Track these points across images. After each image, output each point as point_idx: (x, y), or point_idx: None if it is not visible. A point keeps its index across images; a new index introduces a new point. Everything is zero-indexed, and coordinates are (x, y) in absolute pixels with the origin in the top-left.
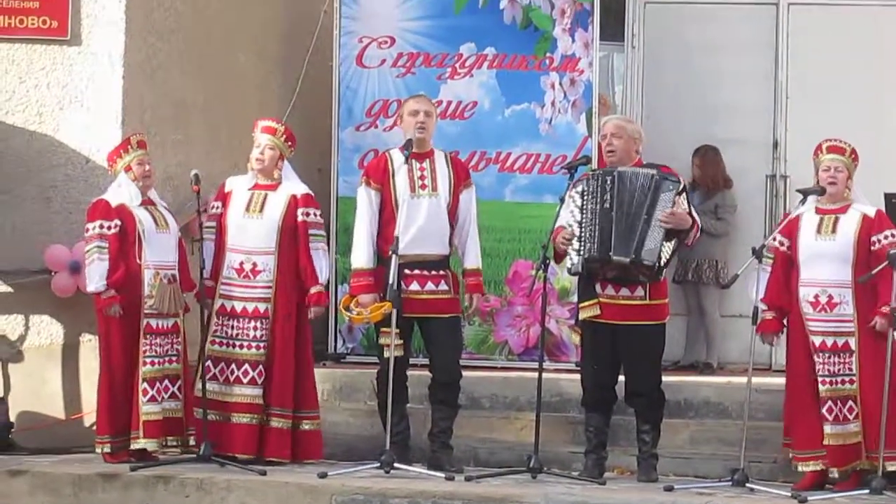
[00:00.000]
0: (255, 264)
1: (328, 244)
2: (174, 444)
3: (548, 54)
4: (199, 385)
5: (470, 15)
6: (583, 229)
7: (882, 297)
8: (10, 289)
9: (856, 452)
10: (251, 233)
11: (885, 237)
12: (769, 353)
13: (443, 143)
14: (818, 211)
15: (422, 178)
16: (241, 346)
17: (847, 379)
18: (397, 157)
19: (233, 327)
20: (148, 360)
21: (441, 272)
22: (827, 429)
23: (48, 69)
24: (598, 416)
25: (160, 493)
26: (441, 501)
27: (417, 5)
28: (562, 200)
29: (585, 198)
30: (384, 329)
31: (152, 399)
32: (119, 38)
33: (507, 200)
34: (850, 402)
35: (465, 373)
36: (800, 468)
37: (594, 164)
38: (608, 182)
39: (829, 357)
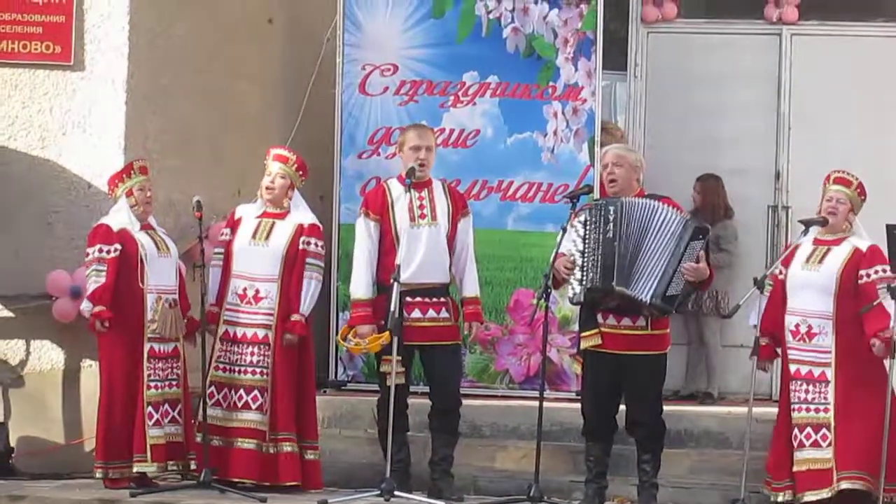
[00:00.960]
0: (257, 291)
1: (329, 272)
2: (174, 468)
3: (550, 83)
4: (201, 410)
5: (473, 43)
6: (585, 259)
7: (873, 324)
8: (11, 314)
9: (826, 479)
10: (256, 260)
11: (875, 272)
12: (770, 383)
13: (445, 171)
14: (815, 241)
15: (421, 207)
16: (243, 372)
17: (822, 407)
18: (395, 187)
19: (234, 353)
20: (151, 383)
21: (442, 299)
22: (801, 455)
23: (51, 94)
24: (598, 446)
25: None
26: None
27: (421, 33)
28: (563, 229)
29: (588, 227)
30: (385, 357)
31: (157, 423)
32: (122, 64)
33: (509, 229)
34: (824, 430)
35: (465, 401)
36: (779, 499)
37: (596, 194)
38: (611, 212)
39: (802, 385)
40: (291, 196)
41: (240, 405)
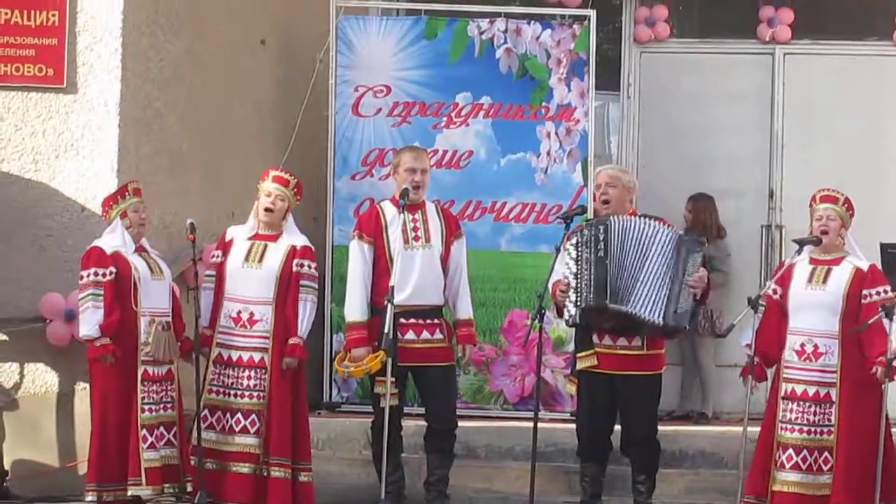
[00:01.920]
0: (252, 314)
1: (323, 293)
2: (170, 491)
3: (543, 104)
4: (195, 434)
5: (466, 64)
6: (578, 280)
7: (877, 347)
8: (5, 337)
9: None
10: (250, 282)
11: (878, 292)
12: (764, 403)
13: (438, 192)
14: (812, 261)
15: (415, 229)
16: (238, 396)
17: (826, 430)
18: (389, 209)
19: (229, 376)
20: (146, 406)
21: (436, 321)
22: (793, 477)
23: (44, 117)
24: (593, 466)
25: None
26: None
27: (413, 54)
28: (557, 250)
29: (580, 248)
30: (380, 378)
31: (152, 446)
32: (115, 86)
33: (503, 250)
34: (826, 454)
35: (460, 422)
36: None
37: (590, 214)
38: (601, 231)
39: (808, 406)
40: (288, 219)
41: (237, 429)
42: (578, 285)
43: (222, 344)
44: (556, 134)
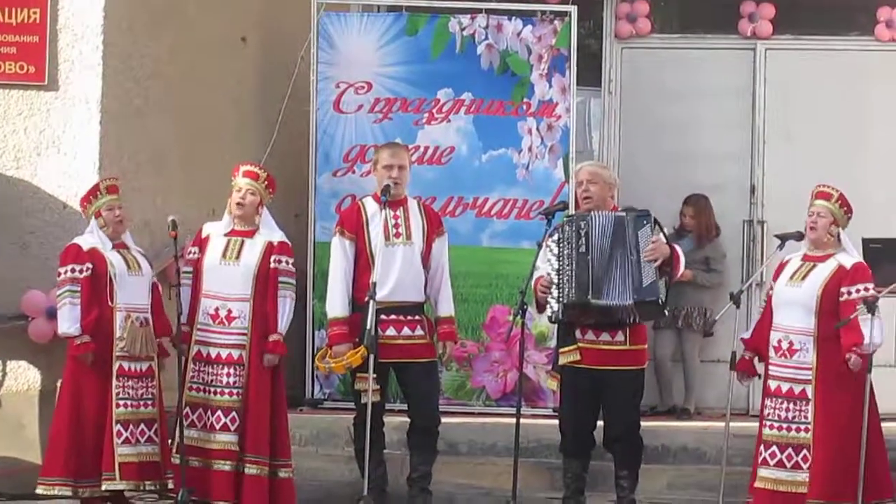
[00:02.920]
0: (230, 311)
1: (305, 290)
2: (151, 488)
3: (525, 99)
4: (177, 431)
5: (447, 60)
6: (560, 276)
7: (849, 338)
8: None
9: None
10: (227, 279)
11: (857, 290)
12: (746, 398)
13: (420, 188)
14: (804, 258)
15: (396, 226)
16: (218, 393)
17: (802, 427)
18: (370, 205)
19: (209, 373)
20: (121, 402)
21: (417, 317)
22: (765, 472)
23: (25, 114)
24: (576, 462)
25: None
26: None
27: (395, 51)
28: (539, 246)
29: (561, 245)
30: (360, 374)
31: (126, 441)
32: (96, 83)
33: (484, 246)
34: (805, 451)
35: (442, 418)
36: None
37: (571, 210)
38: (582, 226)
39: (782, 403)
40: (261, 213)
41: (217, 426)
42: (560, 281)
43: (201, 341)
44: (538, 130)
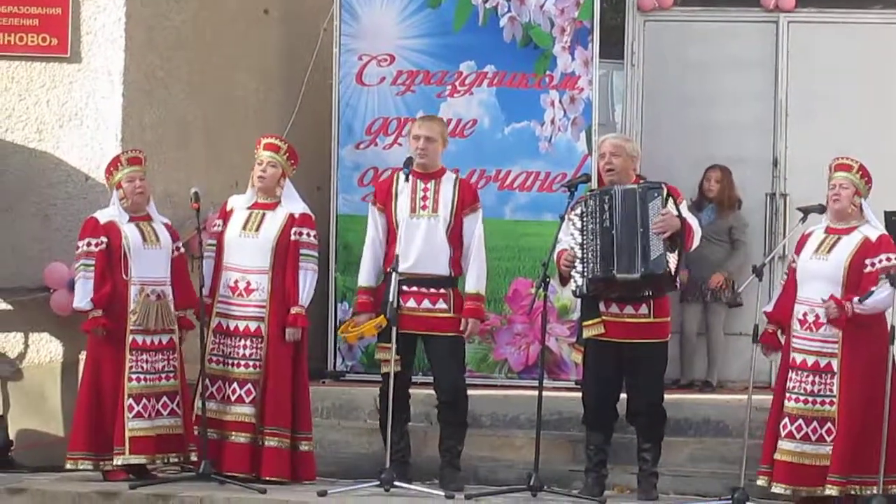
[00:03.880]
0: (248, 283)
1: (327, 262)
2: (175, 460)
3: (547, 72)
4: (198, 403)
5: (470, 33)
6: (584, 250)
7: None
8: (9, 306)
9: (818, 477)
10: (246, 251)
11: (880, 260)
12: (769, 371)
13: (443, 161)
14: (827, 230)
15: (424, 198)
16: (236, 365)
17: (827, 400)
18: (402, 177)
19: (228, 345)
20: (133, 376)
21: (441, 291)
22: (787, 445)
23: (48, 86)
24: (598, 435)
25: None
26: None
27: (417, 23)
28: (561, 219)
29: (585, 219)
30: (381, 345)
31: (138, 415)
32: (119, 55)
33: (507, 218)
34: (829, 424)
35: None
36: (758, 482)
37: (594, 183)
38: (606, 201)
39: (808, 376)
40: (283, 185)
41: (233, 398)
42: (585, 255)
43: (221, 313)
44: (560, 102)
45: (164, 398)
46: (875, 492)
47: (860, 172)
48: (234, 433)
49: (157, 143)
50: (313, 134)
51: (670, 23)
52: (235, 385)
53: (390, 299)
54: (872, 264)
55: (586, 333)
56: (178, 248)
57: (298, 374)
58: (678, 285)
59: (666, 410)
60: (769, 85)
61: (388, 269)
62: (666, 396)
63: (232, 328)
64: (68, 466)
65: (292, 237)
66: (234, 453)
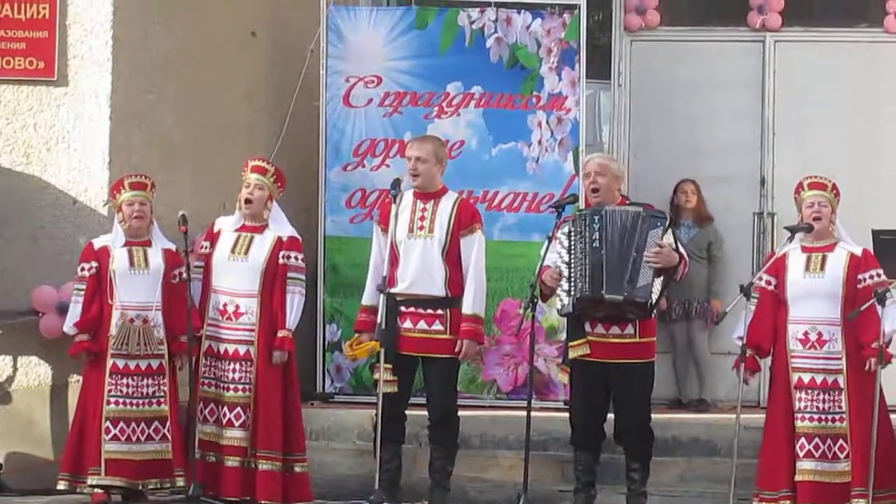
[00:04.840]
0: (237, 306)
1: (315, 284)
2: (158, 486)
3: (534, 93)
4: (191, 427)
5: (457, 54)
6: (572, 269)
7: (869, 334)
8: None
9: (842, 493)
10: (235, 275)
11: (871, 276)
12: (757, 391)
13: None
14: (804, 249)
15: (422, 219)
16: (227, 389)
17: (837, 417)
18: (406, 198)
19: (219, 368)
20: (112, 399)
21: (438, 312)
22: (808, 465)
23: (35, 110)
24: (587, 455)
25: None
26: None
27: (404, 45)
28: (549, 238)
29: (573, 238)
30: (377, 365)
31: (115, 438)
32: (106, 78)
33: (495, 239)
34: (841, 441)
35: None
36: None
37: (581, 203)
38: (596, 221)
39: (818, 394)
40: (271, 208)
41: (224, 422)
42: (572, 275)
43: (211, 336)
44: (548, 123)
45: (156, 423)
46: None
47: (834, 191)
48: (227, 457)
49: (144, 165)
50: (301, 155)
51: (657, 42)
52: (226, 409)
53: (379, 321)
54: (864, 280)
55: (572, 354)
56: (178, 275)
57: (290, 397)
58: (653, 315)
59: (654, 430)
60: (756, 104)
61: (377, 290)
62: (654, 416)
63: (222, 351)
64: (59, 487)
65: (280, 261)
66: (228, 477)
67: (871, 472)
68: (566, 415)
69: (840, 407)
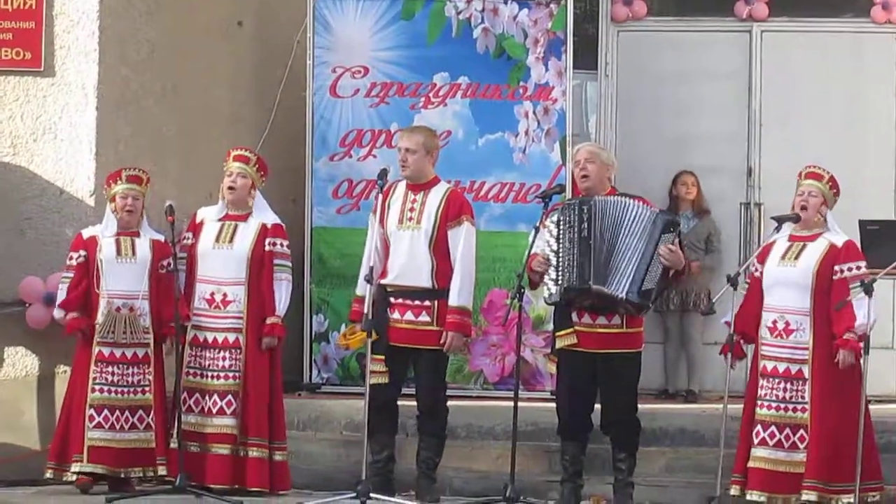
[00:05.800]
0: (225, 295)
1: (302, 274)
2: (141, 475)
3: (521, 83)
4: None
5: (443, 44)
6: (560, 259)
7: (839, 324)
8: None
9: (795, 483)
10: (221, 263)
11: (850, 268)
12: (745, 381)
13: None
14: (791, 238)
15: (411, 210)
16: (214, 377)
17: (799, 407)
18: (399, 188)
19: (205, 358)
20: (97, 387)
21: (426, 303)
22: (761, 452)
23: (21, 100)
24: (574, 445)
25: None
26: None
27: (391, 35)
28: (535, 229)
29: (561, 227)
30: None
31: (99, 426)
32: (93, 69)
33: (482, 230)
34: (802, 431)
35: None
36: (731, 492)
37: (568, 193)
38: (585, 211)
39: (779, 383)
40: (254, 196)
41: (214, 410)
42: (560, 264)
43: (197, 326)
44: (534, 113)
45: (140, 412)
46: (852, 500)
47: (830, 183)
48: (214, 445)
49: (131, 155)
50: (287, 146)
51: (644, 33)
52: (216, 397)
53: (365, 311)
54: (841, 271)
55: (559, 343)
56: (166, 266)
57: (274, 385)
58: (643, 315)
59: (640, 420)
60: (743, 94)
61: (364, 280)
62: (641, 406)
63: (210, 340)
64: (46, 476)
65: (266, 248)
66: (215, 465)
67: (826, 466)
68: (553, 405)
69: (803, 397)
